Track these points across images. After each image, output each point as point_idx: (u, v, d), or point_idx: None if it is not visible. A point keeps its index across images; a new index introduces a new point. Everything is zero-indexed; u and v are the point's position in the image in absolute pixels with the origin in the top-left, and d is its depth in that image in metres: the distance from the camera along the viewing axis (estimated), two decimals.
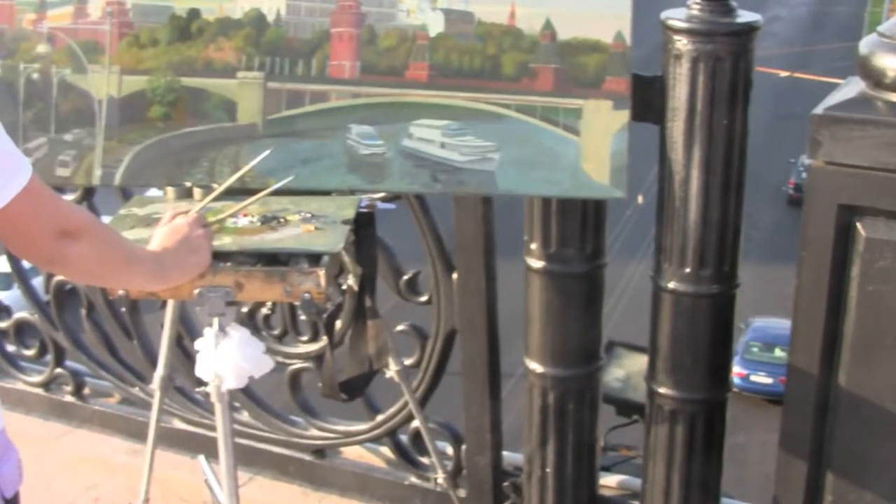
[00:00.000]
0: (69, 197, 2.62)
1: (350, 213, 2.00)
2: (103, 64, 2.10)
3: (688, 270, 2.05)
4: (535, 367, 2.31)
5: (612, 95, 1.97)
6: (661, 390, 2.17)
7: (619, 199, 2.00)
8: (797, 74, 25.41)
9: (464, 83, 2.02)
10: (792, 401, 1.93)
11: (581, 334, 2.29)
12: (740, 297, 2.12)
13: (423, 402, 2.53)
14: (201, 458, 2.41)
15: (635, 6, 1.95)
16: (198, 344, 1.93)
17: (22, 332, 3.16)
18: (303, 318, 2.58)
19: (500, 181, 2.02)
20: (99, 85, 2.10)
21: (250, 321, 2.60)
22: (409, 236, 2.39)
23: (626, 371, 2.50)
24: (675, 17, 1.95)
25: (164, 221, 1.82)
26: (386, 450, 2.76)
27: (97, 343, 3.00)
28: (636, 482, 2.42)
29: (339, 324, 2.43)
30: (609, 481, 2.56)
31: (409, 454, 2.71)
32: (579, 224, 2.18)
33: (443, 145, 2.02)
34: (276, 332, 2.65)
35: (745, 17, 1.94)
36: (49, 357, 3.14)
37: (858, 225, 1.74)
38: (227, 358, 1.90)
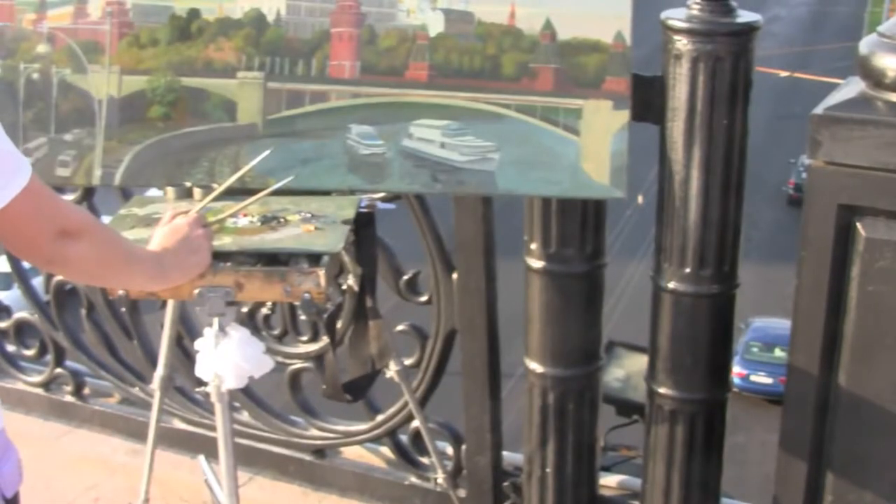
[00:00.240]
0: (69, 197, 2.62)
1: (350, 213, 2.00)
2: (103, 64, 2.10)
3: (688, 270, 2.05)
4: (535, 367, 2.31)
5: (612, 95, 1.97)
6: (661, 390, 2.17)
7: (619, 199, 2.00)
8: (797, 74, 25.41)
9: (464, 83, 2.02)
10: (792, 401, 1.93)
11: (581, 334, 2.29)
12: (740, 297, 2.12)
13: (423, 402, 2.53)
14: (201, 458, 2.41)
15: (635, 6, 1.94)
16: (198, 344, 1.93)
17: (22, 332, 3.16)
18: (303, 318, 2.58)
19: (500, 181, 2.02)
20: (99, 85, 2.10)
21: (250, 321, 2.60)
22: (409, 236, 2.39)
23: (626, 371, 2.50)
24: (675, 17, 1.95)
25: (164, 221, 1.82)
26: (386, 450, 2.76)
27: (97, 343, 3.00)
28: (636, 482, 2.42)
29: (339, 324, 2.43)
30: (609, 481, 2.56)
31: (409, 454, 2.71)
32: (579, 224, 2.18)
33: (443, 145, 2.02)
34: (276, 332, 2.65)
35: (745, 17, 1.94)
36: (49, 357, 3.14)
37: (858, 225, 1.74)
38: (227, 358, 1.90)
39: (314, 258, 1.86)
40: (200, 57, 2.08)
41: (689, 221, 2.02)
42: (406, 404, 2.50)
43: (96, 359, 3.04)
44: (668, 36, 1.96)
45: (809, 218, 1.78)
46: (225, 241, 1.89)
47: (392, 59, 2.05)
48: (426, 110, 2.03)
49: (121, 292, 1.90)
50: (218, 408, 1.98)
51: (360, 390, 2.26)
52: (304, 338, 2.64)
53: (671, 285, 2.08)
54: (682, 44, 1.93)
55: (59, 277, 2.88)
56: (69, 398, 3.19)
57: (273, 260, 1.87)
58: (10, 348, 3.24)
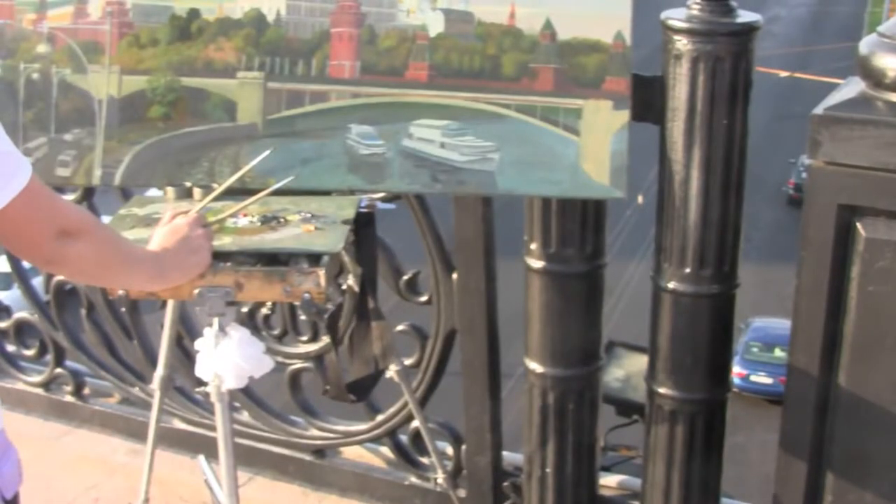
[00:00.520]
0: (69, 197, 2.62)
1: (350, 213, 2.00)
2: (103, 64, 2.10)
3: (688, 270, 2.05)
4: (535, 367, 2.31)
5: (612, 95, 1.97)
6: (661, 390, 2.17)
7: (619, 199, 2.00)
8: (797, 74, 25.41)
9: (464, 83, 2.02)
10: (792, 401, 1.93)
11: (581, 334, 2.29)
12: (740, 297, 2.12)
13: (423, 402, 2.53)
14: (201, 458, 2.41)
15: (635, 6, 1.94)
16: (198, 344, 1.93)
17: (22, 332, 3.16)
18: (303, 318, 2.58)
19: (500, 181, 2.02)
20: (99, 85, 2.10)
21: (250, 321, 2.60)
22: (409, 236, 2.39)
23: (626, 371, 2.50)
24: (675, 17, 1.95)
25: (164, 221, 1.82)
26: (386, 450, 2.76)
27: (97, 343, 3.00)
28: (636, 482, 2.42)
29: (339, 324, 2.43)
30: (609, 481, 2.56)
31: (409, 454, 2.71)
32: (579, 224, 2.18)
33: (443, 145, 2.02)
34: (276, 332, 2.65)
35: (745, 17, 1.94)
36: (49, 357, 3.14)
37: (858, 225, 1.74)
38: (227, 358, 1.90)
39: (314, 258, 1.86)
40: (200, 57, 2.08)
41: (689, 221, 2.02)
42: (406, 404, 2.50)
43: (96, 359, 3.04)
44: (668, 36, 1.96)
45: (809, 218, 1.78)
46: (225, 241, 1.88)
47: (392, 59, 2.05)
48: (426, 110, 2.03)
49: (121, 292, 1.89)
50: (218, 408, 1.98)
51: (363, 390, 2.26)
52: (304, 338, 2.64)
53: (671, 285, 2.08)
54: (682, 44, 1.93)
55: (59, 277, 2.88)
56: (69, 398, 3.19)
57: (273, 260, 1.87)
58: (10, 348, 3.25)
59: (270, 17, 2.08)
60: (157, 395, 2.44)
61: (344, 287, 2.35)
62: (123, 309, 2.83)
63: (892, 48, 1.72)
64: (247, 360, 1.90)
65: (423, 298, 2.47)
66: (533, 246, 2.22)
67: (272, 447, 2.85)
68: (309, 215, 1.98)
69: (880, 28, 1.77)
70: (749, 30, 1.94)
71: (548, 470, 2.38)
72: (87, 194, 2.67)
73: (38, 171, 1.44)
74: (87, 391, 3.20)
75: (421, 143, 2.02)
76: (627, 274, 14.21)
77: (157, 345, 2.44)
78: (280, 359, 2.62)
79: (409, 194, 2.27)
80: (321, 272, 1.84)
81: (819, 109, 1.73)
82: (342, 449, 2.84)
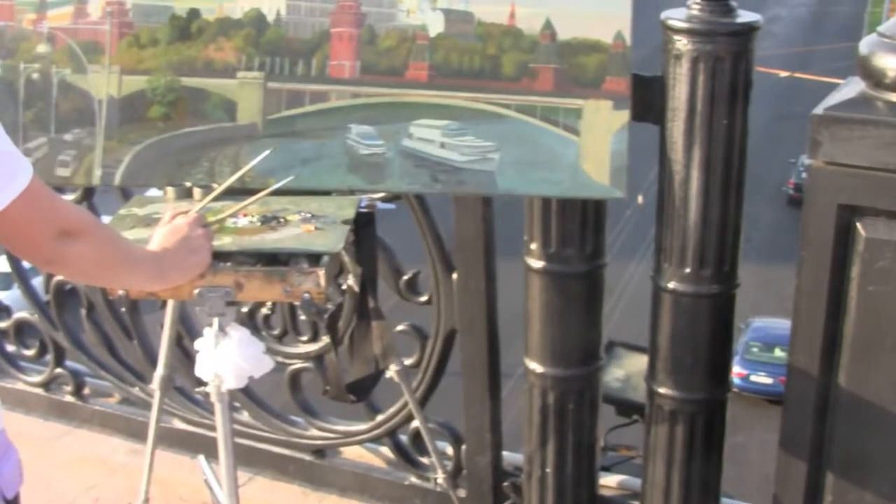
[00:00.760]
0: (69, 197, 2.62)
1: (350, 213, 2.00)
2: (103, 64, 2.10)
3: (688, 270, 2.05)
4: (535, 367, 2.31)
5: (612, 95, 1.97)
6: (661, 390, 2.17)
7: (619, 199, 2.00)
8: (797, 74, 25.41)
9: (464, 83, 2.02)
10: (792, 401, 1.93)
11: (581, 334, 2.29)
12: (740, 297, 2.12)
13: (423, 402, 2.53)
14: (201, 458, 2.41)
15: (635, 6, 1.94)
16: (198, 344, 1.93)
17: (22, 332, 3.16)
18: (303, 318, 2.58)
19: (500, 181, 2.02)
20: (99, 85, 2.10)
21: (250, 321, 2.60)
22: (409, 236, 2.39)
23: (626, 371, 2.50)
24: (675, 17, 1.95)
25: (164, 221, 1.81)
26: (386, 450, 2.76)
27: (97, 343, 3.00)
28: (636, 482, 2.42)
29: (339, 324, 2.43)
30: (609, 481, 2.56)
31: (409, 454, 2.71)
32: (579, 224, 2.18)
33: (443, 145, 2.02)
34: (276, 332, 2.65)
35: (745, 17, 1.94)
36: (49, 357, 3.14)
37: (858, 225, 1.74)
38: (227, 358, 1.90)
39: (314, 258, 1.86)
40: (200, 57, 2.08)
41: (689, 221, 2.02)
42: (406, 404, 2.50)
43: (96, 359, 3.04)
44: (668, 36, 1.96)
45: (809, 218, 1.78)
46: (225, 241, 1.88)
47: (392, 59, 2.05)
48: (426, 110, 2.03)
49: (121, 292, 1.89)
50: (218, 408, 1.98)
51: (364, 390, 2.26)
52: (304, 338, 2.64)
53: (671, 285, 2.08)
54: (682, 44, 1.93)
55: (59, 277, 2.88)
56: (69, 398, 3.19)
57: (273, 260, 1.87)
58: (10, 348, 3.24)
59: (270, 17, 2.08)
60: (157, 395, 2.44)
61: (344, 287, 2.35)
62: (123, 309, 2.83)
63: (892, 48, 1.72)
64: (247, 360, 1.90)
65: (423, 298, 2.47)
66: (533, 246, 2.22)
67: (272, 447, 2.85)
68: (309, 215, 1.98)
69: (880, 28, 1.77)
70: (749, 30, 1.94)
71: (548, 470, 2.38)
72: (87, 194, 2.67)
73: (38, 171, 1.44)
74: (87, 391, 3.20)
75: (421, 143, 2.02)
76: (627, 274, 14.21)
77: (157, 345, 2.44)
78: (280, 359, 2.62)
79: (409, 194, 2.27)
80: (321, 272, 1.84)
81: (819, 109, 1.73)
82: (342, 449, 2.84)
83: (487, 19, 2.01)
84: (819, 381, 1.85)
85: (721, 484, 2.27)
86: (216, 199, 1.94)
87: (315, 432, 2.78)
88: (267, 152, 2.01)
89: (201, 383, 2.01)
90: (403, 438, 2.70)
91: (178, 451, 2.92)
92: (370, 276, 2.13)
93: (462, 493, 2.60)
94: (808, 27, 31.65)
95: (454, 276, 2.40)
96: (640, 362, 2.32)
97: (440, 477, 2.55)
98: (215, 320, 1.88)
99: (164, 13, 2.08)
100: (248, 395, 2.80)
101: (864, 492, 1.88)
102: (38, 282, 3.10)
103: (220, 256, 1.85)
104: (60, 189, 2.32)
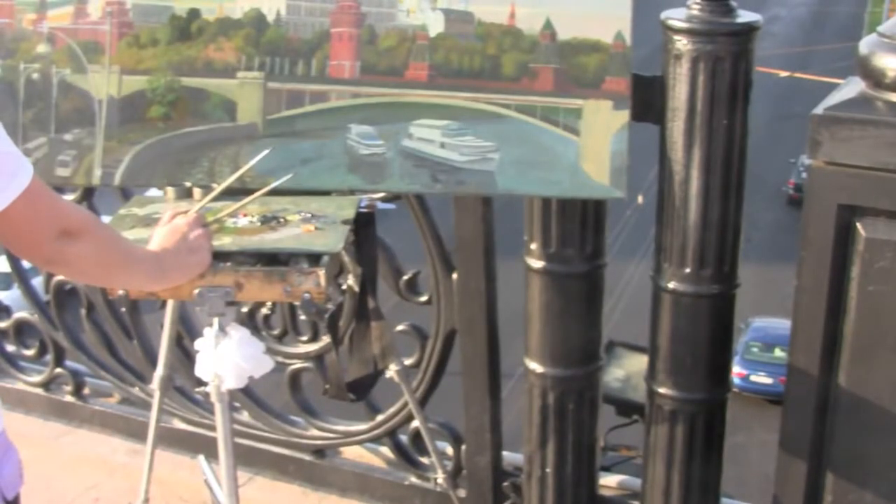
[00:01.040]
0: (69, 197, 2.62)
1: (350, 213, 2.00)
2: (103, 64, 2.10)
3: (688, 270, 2.05)
4: (535, 367, 2.31)
5: (612, 95, 1.97)
6: (661, 390, 2.17)
7: (619, 199, 2.00)
8: (797, 74, 25.41)
9: (464, 83, 2.02)
10: (792, 401, 1.93)
11: (581, 334, 2.29)
12: (740, 297, 2.12)
13: (423, 402, 2.53)
14: (201, 458, 2.41)
15: (635, 6, 1.94)
16: (198, 344, 1.93)
17: (22, 332, 3.16)
18: (303, 318, 2.58)
19: (500, 181, 2.02)
20: (99, 85, 2.10)
21: (250, 321, 2.60)
22: (409, 236, 2.39)
23: (626, 371, 2.50)
24: (675, 17, 1.95)
25: (164, 221, 1.81)
26: (386, 450, 2.76)
27: (97, 343, 3.00)
28: (636, 482, 2.42)
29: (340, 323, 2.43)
30: (609, 481, 2.56)
31: (409, 454, 2.71)
32: (579, 224, 2.18)
33: (443, 145, 2.02)
34: (276, 332, 2.65)
35: (745, 17, 1.94)
36: (49, 357, 3.14)
37: (858, 225, 1.74)
38: (227, 358, 1.90)
39: (314, 258, 1.86)
40: (200, 57, 2.08)
41: (689, 221, 2.02)
42: (406, 404, 2.50)
43: (96, 359, 3.04)
44: (668, 36, 1.96)
45: (809, 218, 1.78)
46: (225, 241, 1.88)
47: (392, 59, 2.05)
48: (426, 110, 2.03)
49: (121, 292, 1.90)
50: (218, 408, 1.98)
51: (363, 390, 2.26)
52: (304, 338, 2.64)
53: (671, 285, 2.08)
54: (682, 44, 1.93)
55: (59, 277, 2.88)
56: (69, 398, 3.19)
57: (273, 260, 1.87)
58: (10, 348, 3.24)
59: (270, 17, 2.08)
60: (156, 395, 2.44)
61: (344, 287, 2.35)
62: (123, 309, 2.83)
63: (892, 48, 1.72)
64: (247, 360, 1.90)
65: (423, 298, 2.47)
66: (533, 246, 2.22)
67: (272, 447, 2.85)
68: (309, 215, 1.98)
69: (880, 28, 1.77)
70: (749, 30, 1.94)
71: (548, 470, 2.38)
72: (87, 194, 2.67)
73: (38, 172, 1.44)
74: (87, 391, 3.20)
75: (421, 143, 2.02)
76: (627, 274, 14.21)
77: (157, 345, 2.44)
78: (280, 359, 2.62)
79: (409, 194, 2.27)
80: (321, 272, 1.84)
81: (819, 109, 1.73)
82: (342, 449, 2.84)
83: (487, 19, 2.01)
84: (819, 381, 1.85)
85: (721, 484, 2.27)
86: (216, 198, 1.94)
87: (315, 432, 2.78)
88: (266, 152, 2.00)
89: (201, 383, 2.01)
90: (403, 438, 2.70)
91: (178, 451, 2.92)
92: (370, 276, 2.13)
93: (462, 493, 2.60)
94: (808, 27, 31.66)
95: (454, 276, 2.40)
96: (640, 362, 2.32)
97: (440, 477, 2.55)
98: (215, 320, 1.88)
99: (164, 13, 2.08)
100: (248, 395, 2.80)
101: (864, 492, 1.88)
102: (38, 282, 3.10)
103: (220, 256, 1.85)
104: (60, 189, 2.31)
